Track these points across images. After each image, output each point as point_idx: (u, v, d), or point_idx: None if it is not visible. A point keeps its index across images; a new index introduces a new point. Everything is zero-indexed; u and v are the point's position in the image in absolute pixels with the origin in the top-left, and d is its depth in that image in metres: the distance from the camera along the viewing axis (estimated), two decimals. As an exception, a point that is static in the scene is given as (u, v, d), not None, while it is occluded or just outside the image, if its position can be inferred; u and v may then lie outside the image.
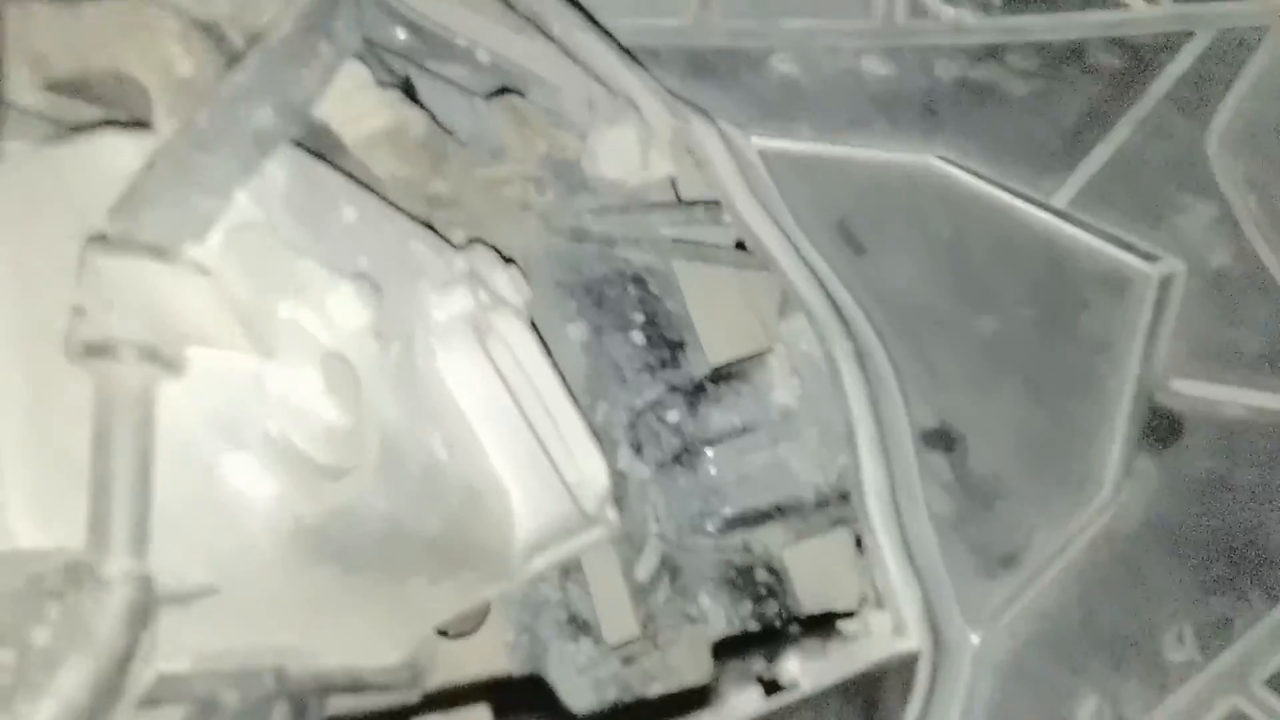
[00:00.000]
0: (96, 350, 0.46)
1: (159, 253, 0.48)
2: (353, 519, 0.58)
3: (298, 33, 0.54)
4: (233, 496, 0.52)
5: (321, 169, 0.66)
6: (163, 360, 0.47)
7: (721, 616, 1.03)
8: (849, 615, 0.80)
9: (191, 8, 0.63)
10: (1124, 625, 0.83)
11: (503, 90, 1.04)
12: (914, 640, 0.77)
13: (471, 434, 0.71)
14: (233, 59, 0.63)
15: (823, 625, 0.76)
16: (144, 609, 0.47)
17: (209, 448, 0.51)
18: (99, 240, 0.48)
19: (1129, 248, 0.94)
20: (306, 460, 0.53)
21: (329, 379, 0.54)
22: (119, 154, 0.56)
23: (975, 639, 0.83)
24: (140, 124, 0.58)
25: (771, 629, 1.01)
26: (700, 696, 0.66)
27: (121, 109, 0.59)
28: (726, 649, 0.99)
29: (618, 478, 1.02)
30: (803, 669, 0.69)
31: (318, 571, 0.58)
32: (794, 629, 0.80)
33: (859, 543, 0.81)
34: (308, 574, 0.57)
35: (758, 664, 0.69)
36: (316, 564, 0.58)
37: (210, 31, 0.63)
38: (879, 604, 0.77)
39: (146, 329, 0.47)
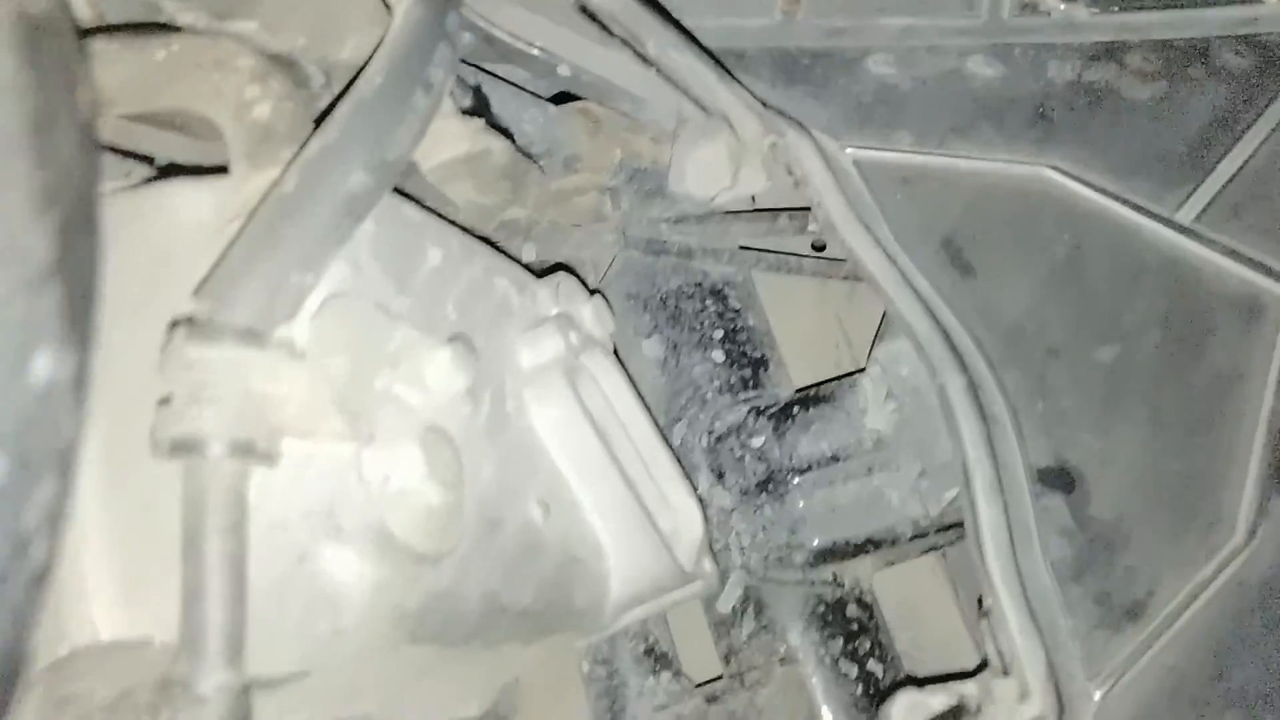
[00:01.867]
0: (184, 447, 0.42)
1: (250, 337, 0.43)
2: (451, 601, 0.53)
3: (391, 83, 0.48)
4: (330, 586, 0.47)
5: (406, 207, 0.60)
6: (257, 454, 0.43)
7: (811, 654, 0.98)
8: (966, 674, 0.75)
9: (266, 41, 0.58)
10: (1260, 681, 0.77)
11: (571, 95, 0.98)
12: (1038, 706, 0.71)
13: (568, 490, 0.66)
14: (311, 97, 0.58)
15: (939, 686, 0.71)
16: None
17: (305, 537, 0.47)
18: (185, 324, 0.43)
19: (1262, 268, 0.87)
20: (405, 549, 0.48)
21: (429, 459, 0.49)
22: (196, 207, 0.51)
23: (1098, 695, 0.77)
24: (217, 168, 0.54)
25: (877, 682, 0.95)
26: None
27: (195, 139, 0.54)
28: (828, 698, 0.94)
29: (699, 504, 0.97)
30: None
31: (413, 651, 0.54)
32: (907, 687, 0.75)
33: (979, 603, 0.75)
34: (403, 654, 0.53)
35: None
36: (412, 645, 0.53)
37: (287, 67, 0.58)
38: (1004, 669, 0.71)
39: (238, 422, 0.42)
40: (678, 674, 1.01)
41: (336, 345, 0.47)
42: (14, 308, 0.26)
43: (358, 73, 0.50)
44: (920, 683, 0.73)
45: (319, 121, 0.55)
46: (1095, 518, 0.81)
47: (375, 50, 0.51)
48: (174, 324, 0.43)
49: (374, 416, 0.48)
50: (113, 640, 0.49)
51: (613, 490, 0.67)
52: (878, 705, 0.71)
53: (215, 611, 0.42)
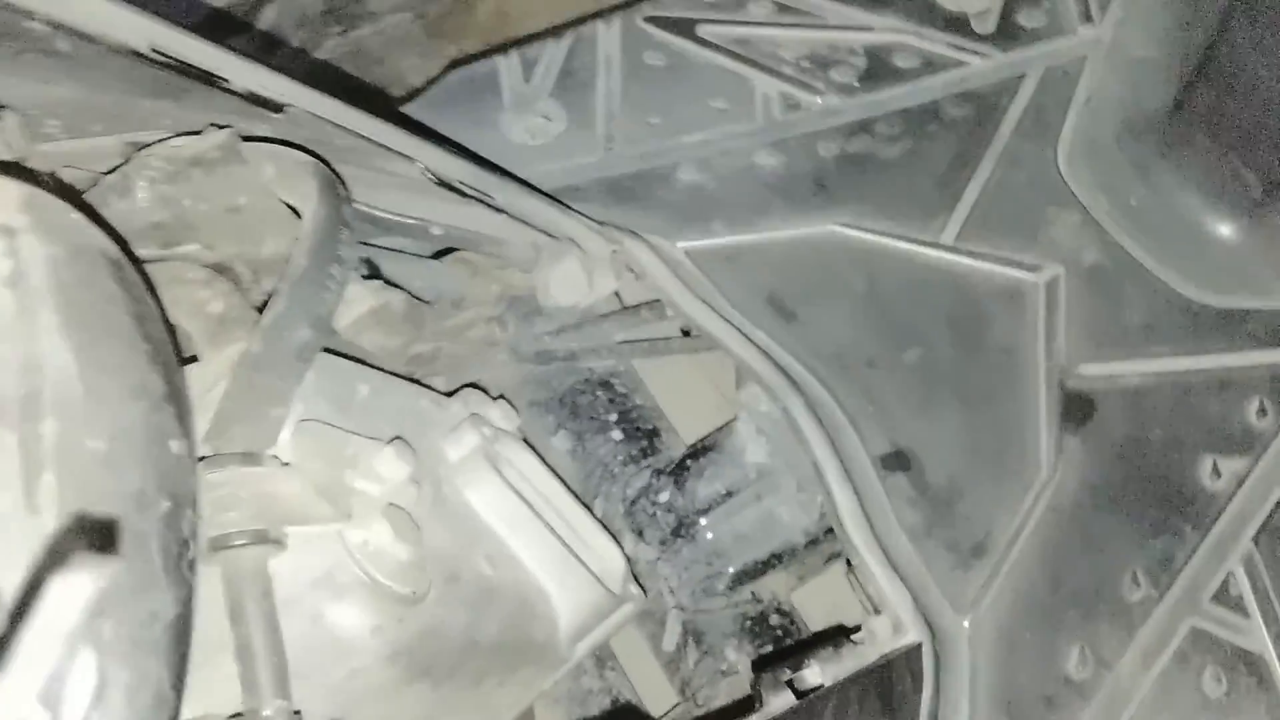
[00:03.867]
0: (220, 544, 0.58)
1: (250, 459, 0.61)
2: (434, 636, 0.69)
3: (314, 263, 0.67)
4: (340, 636, 0.63)
5: (336, 359, 0.79)
6: (271, 540, 0.59)
7: (748, 663, 1.14)
8: (857, 629, 0.93)
9: (205, 256, 0.77)
10: (1087, 581, 0.95)
11: (449, 249, 1.19)
12: (913, 634, 0.89)
13: (506, 548, 0.83)
14: (246, 290, 0.77)
15: (835, 637, 0.89)
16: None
17: (314, 601, 0.63)
18: (203, 459, 0.60)
19: (1014, 263, 1.10)
20: (390, 593, 0.65)
21: (394, 526, 0.66)
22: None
23: (966, 624, 0.95)
24: (190, 359, 0.71)
25: (793, 648, 1.12)
26: (744, 707, 0.78)
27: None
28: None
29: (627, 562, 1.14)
30: (823, 671, 0.81)
31: (414, 688, 0.69)
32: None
33: (848, 564, 0.94)
34: (406, 692, 0.69)
35: (785, 674, 0.81)
36: (411, 681, 0.69)
37: (225, 271, 0.77)
38: (876, 611, 0.89)
39: (253, 519, 0.59)
40: (645, 717, 1.16)
41: (311, 455, 0.64)
42: (154, 418, 0.44)
43: (285, 263, 0.69)
44: (813, 642, 0.90)
45: (258, 307, 0.73)
46: (932, 484, 1.01)
47: (296, 243, 0.70)
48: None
49: (348, 502, 0.65)
50: (180, 720, 0.63)
51: (543, 542, 0.85)
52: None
53: (263, 658, 0.57)
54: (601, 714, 1.15)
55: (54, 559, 0.34)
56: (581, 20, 1.32)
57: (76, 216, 0.46)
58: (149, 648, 0.40)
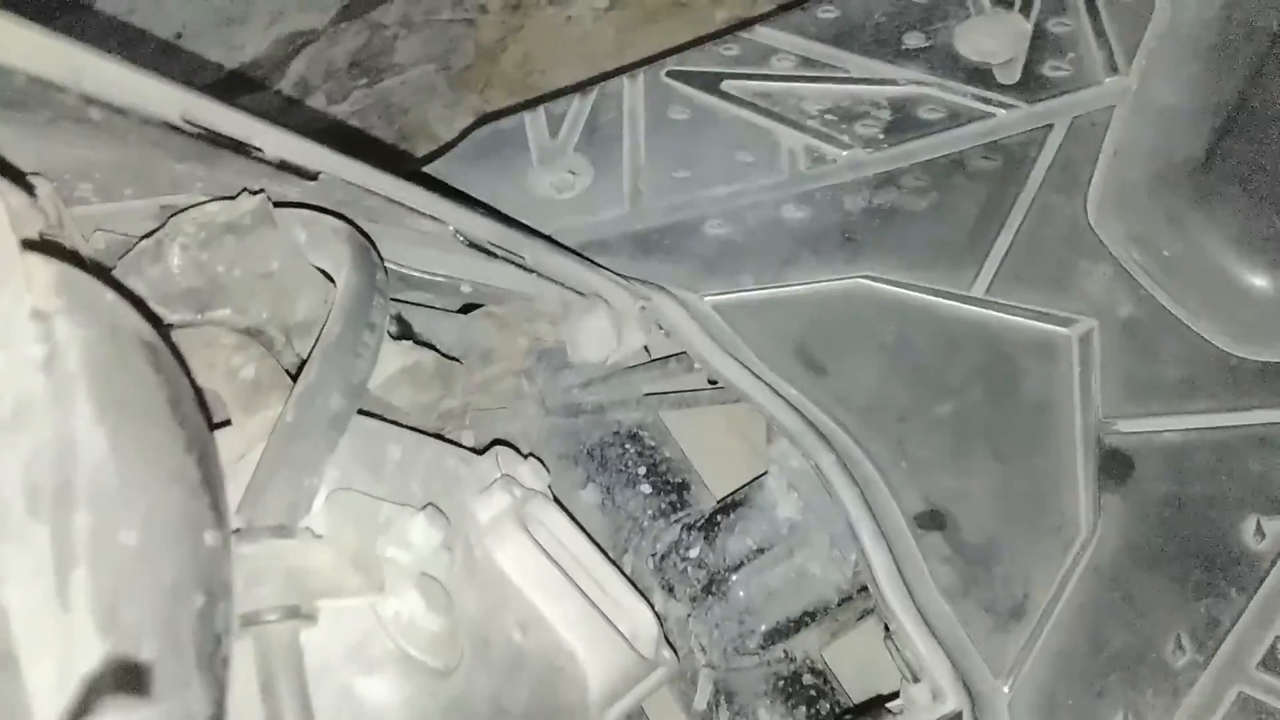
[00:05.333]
0: (250, 619, 0.57)
1: (282, 531, 0.60)
2: (464, 707, 0.68)
3: (347, 330, 0.67)
4: (370, 710, 0.62)
5: (366, 421, 0.78)
6: (302, 615, 0.58)
7: (781, 724, 1.12)
8: (894, 695, 0.90)
9: (238, 320, 0.77)
10: (1129, 644, 0.93)
11: (475, 305, 1.19)
12: (952, 702, 0.87)
13: (537, 611, 0.81)
14: (279, 354, 0.76)
15: (873, 707, 0.87)
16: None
17: (345, 673, 0.62)
18: (235, 531, 0.60)
19: (1046, 316, 1.09)
20: (422, 666, 0.64)
21: (427, 597, 0.65)
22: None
23: (1006, 689, 0.93)
24: (223, 423, 0.71)
25: (831, 717, 1.10)
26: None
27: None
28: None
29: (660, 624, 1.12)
30: (864, 746, 0.79)
31: (442, 759, 0.68)
32: (849, 717, 0.90)
33: (886, 629, 0.92)
34: (434, 763, 0.67)
35: (826, 750, 0.79)
36: (440, 753, 0.68)
37: (258, 335, 0.77)
38: (915, 678, 0.87)
39: (285, 593, 0.58)
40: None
41: (343, 524, 0.64)
42: (189, 507, 0.43)
43: (320, 328, 0.69)
44: (857, 711, 0.88)
45: (292, 372, 0.73)
46: (968, 543, 0.99)
47: (329, 310, 0.70)
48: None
49: (380, 573, 0.64)
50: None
51: (574, 605, 0.83)
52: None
53: (294, 736, 0.56)
54: (631, 775, 1.13)
55: (83, 707, 0.33)
56: (606, 76, 1.33)
57: (111, 297, 0.46)
58: None
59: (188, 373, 0.49)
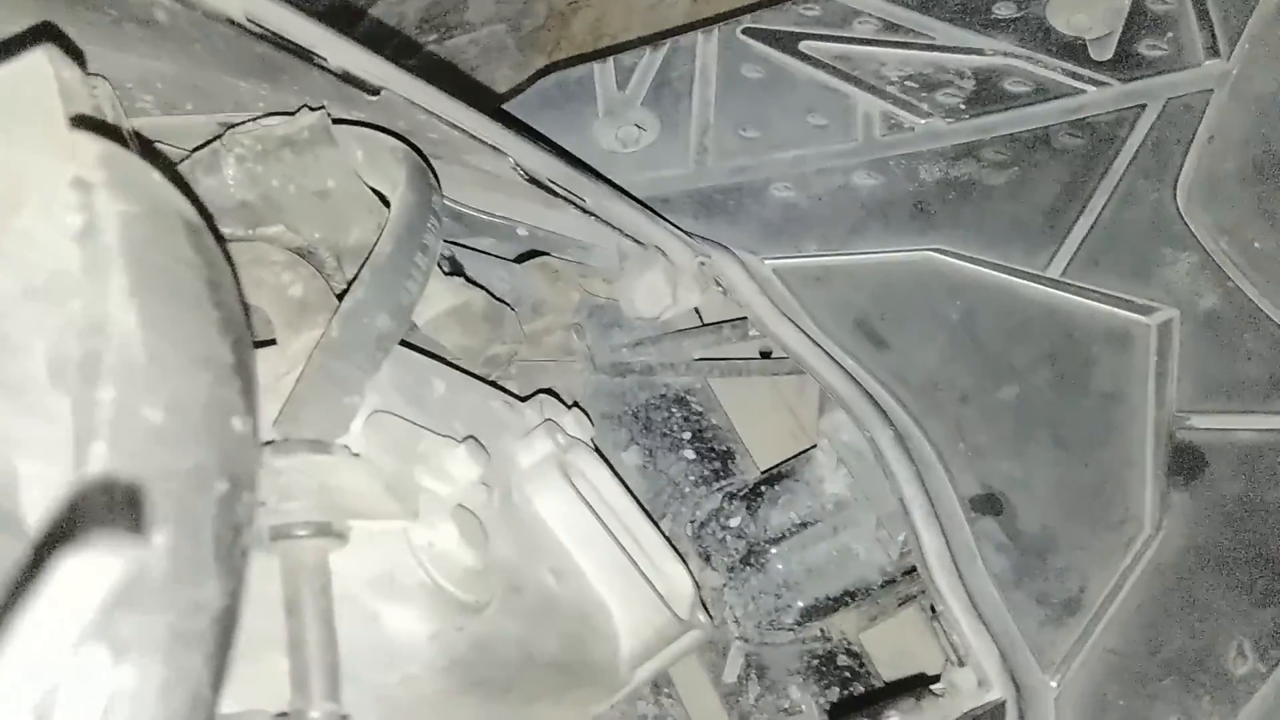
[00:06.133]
0: (280, 533, 0.55)
1: (319, 446, 0.58)
2: (491, 648, 0.66)
3: (399, 249, 0.65)
4: (395, 640, 0.60)
5: (412, 354, 0.76)
6: (333, 534, 0.57)
7: (813, 705, 1.09)
8: (936, 679, 0.87)
9: (290, 239, 0.75)
10: (1188, 648, 0.89)
11: (530, 253, 1.16)
12: (997, 691, 0.83)
13: (572, 561, 0.79)
14: (329, 276, 0.75)
15: (915, 686, 0.83)
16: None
17: (372, 600, 0.60)
18: (269, 444, 0.58)
19: (1124, 303, 1.04)
20: (452, 599, 0.62)
21: (462, 529, 0.63)
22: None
23: (1054, 684, 0.89)
24: (268, 342, 0.69)
25: (868, 697, 1.06)
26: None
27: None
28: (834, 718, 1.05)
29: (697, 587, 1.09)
30: (904, 725, 0.76)
31: (465, 701, 0.66)
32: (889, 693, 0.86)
33: (933, 610, 0.88)
34: (456, 702, 0.65)
35: (864, 725, 0.75)
36: (464, 693, 0.65)
37: (309, 256, 0.75)
38: (960, 663, 0.83)
39: (317, 509, 0.56)
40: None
41: (381, 448, 0.62)
42: (217, 392, 0.41)
43: (369, 251, 0.67)
44: (898, 687, 0.85)
45: (339, 294, 0.71)
46: (1024, 532, 0.95)
47: (381, 229, 0.68)
48: (263, 446, 0.58)
49: (415, 500, 0.62)
50: (227, 714, 0.61)
51: (611, 558, 0.81)
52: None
53: (316, 656, 0.54)
54: (654, 743, 1.11)
55: (69, 530, 0.30)
56: (680, 30, 1.29)
57: (156, 177, 0.44)
58: (190, 642, 0.37)
59: (231, 263, 0.47)
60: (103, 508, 0.32)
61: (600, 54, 1.29)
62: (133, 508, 0.33)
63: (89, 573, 0.30)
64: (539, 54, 2.64)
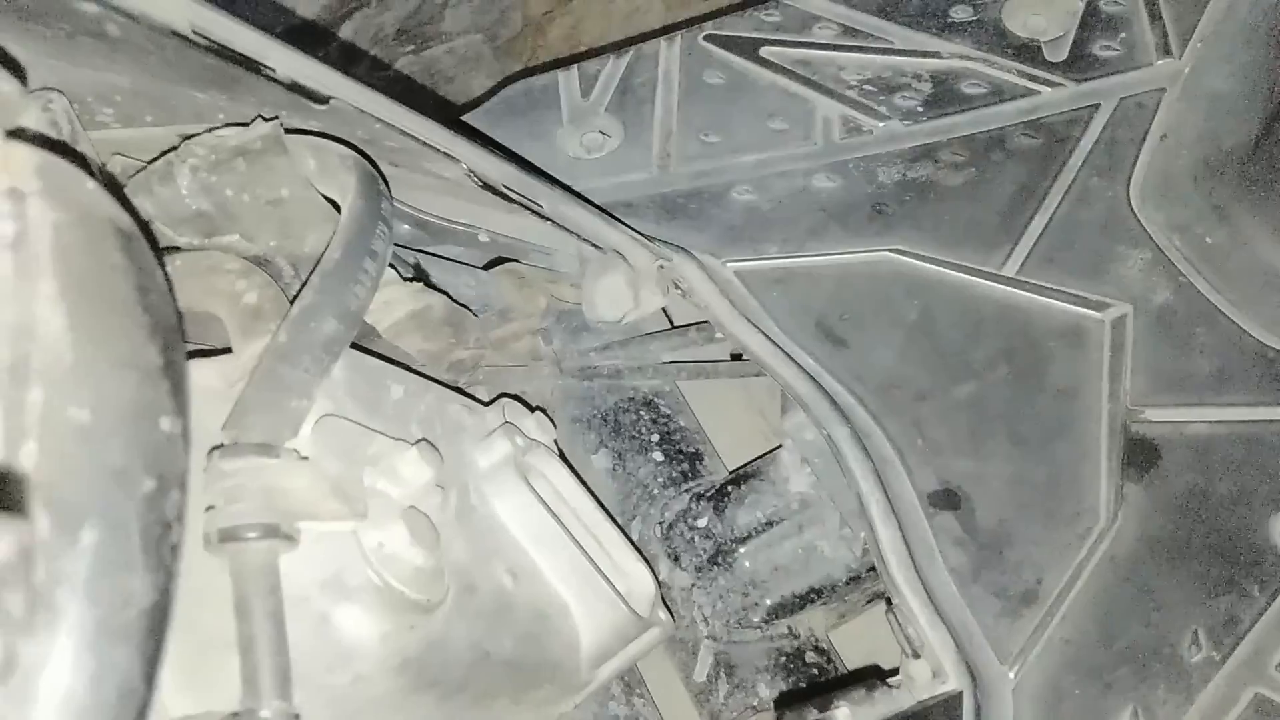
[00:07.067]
0: (229, 536, 0.56)
1: (266, 449, 0.59)
2: (444, 647, 0.67)
3: (347, 255, 0.66)
4: (346, 640, 0.61)
5: (367, 359, 0.77)
6: (281, 535, 0.57)
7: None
8: (894, 671, 0.88)
9: (245, 248, 0.76)
10: (1143, 638, 0.90)
11: (499, 260, 1.18)
12: (953, 682, 0.84)
13: (530, 561, 0.80)
14: (285, 284, 0.76)
15: (868, 678, 0.84)
16: (297, 743, 0.56)
17: (322, 602, 0.61)
18: (218, 448, 0.59)
19: (1079, 300, 1.05)
20: (402, 599, 0.63)
21: (412, 529, 0.64)
22: (207, 377, 0.67)
23: (1012, 675, 0.90)
24: (224, 350, 0.70)
25: (823, 686, 1.08)
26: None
27: (207, 341, 0.71)
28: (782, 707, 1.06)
29: (662, 588, 1.10)
30: (853, 714, 0.77)
31: (420, 700, 0.67)
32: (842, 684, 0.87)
33: (888, 603, 0.90)
34: (411, 702, 0.66)
35: (812, 713, 0.76)
36: (417, 692, 0.66)
37: (265, 264, 0.76)
38: (915, 655, 0.85)
39: (265, 512, 0.57)
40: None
41: (330, 450, 0.63)
42: (144, 393, 0.42)
43: (320, 257, 0.68)
44: (844, 681, 0.86)
45: (294, 301, 0.72)
46: (982, 526, 0.96)
47: (332, 236, 0.69)
48: (210, 450, 0.59)
49: (365, 502, 0.63)
50: (183, 716, 0.62)
51: (569, 558, 0.82)
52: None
53: (266, 656, 0.55)
54: (626, 743, 1.12)
55: None
56: (644, 38, 1.31)
57: (90, 185, 0.45)
58: (119, 633, 0.38)
59: (164, 269, 0.48)
60: None
61: (565, 61, 1.31)
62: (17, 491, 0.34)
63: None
64: (516, 63, 2.65)
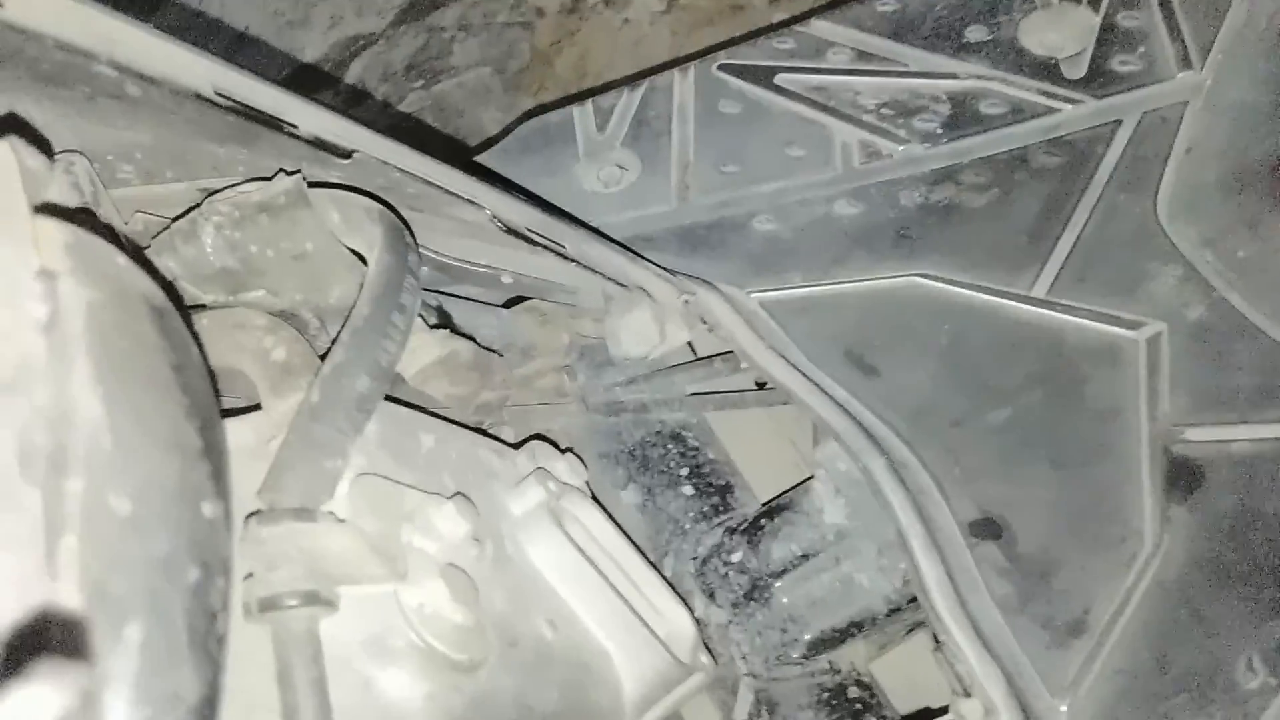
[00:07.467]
0: (268, 604, 0.55)
1: (304, 514, 0.58)
2: (489, 705, 0.65)
3: (376, 311, 0.65)
4: (391, 704, 0.60)
5: (397, 409, 0.76)
6: (322, 601, 0.56)
7: (825, 740, 1.08)
8: (944, 710, 0.86)
9: (271, 303, 0.76)
10: (1196, 664, 0.88)
11: (519, 298, 1.17)
12: (1005, 718, 0.82)
13: (569, 609, 0.79)
14: (312, 338, 0.75)
15: (920, 721, 0.83)
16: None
17: (365, 665, 0.60)
18: (254, 514, 0.58)
19: (1112, 319, 1.04)
20: (446, 660, 0.61)
21: (452, 587, 0.63)
22: (240, 436, 0.66)
23: (1064, 709, 0.88)
24: (254, 407, 0.69)
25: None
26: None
27: (236, 397, 0.70)
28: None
29: (699, 626, 1.08)
30: (909, 762, 0.75)
31: (465, 761, 0.65)
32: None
33: (936, 641, 0.88)
34: (457, 765, 0.65)
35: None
36: (462, 754, 0.65)
37: (291, 318, 0.75)
38: (966, 693, 0.83)
39: (304, 578, 0.56)
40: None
41: (367, 510, 0.62)
42: (186, 477, 0.41)
43: (349, 311, 0.67)
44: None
45: (323, 355, 0.71)
46: (1025, 555, 0.94)
47: (360, 291, 0.68)
48: (247, 517, 0.58)
49: (404, 561, 0.62)
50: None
51: (608, 605, 0.80)
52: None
53: (310, 725, 0.54)
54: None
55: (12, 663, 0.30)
56: (657, 69, 1.31)
57: (121, 261, 0.45)
58: None
59: (199, 343, 0.47)
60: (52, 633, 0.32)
61: (582, 95, 1.30)
62: (71, 630, 0.33)
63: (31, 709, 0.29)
64: (525, 95, 2.66)
